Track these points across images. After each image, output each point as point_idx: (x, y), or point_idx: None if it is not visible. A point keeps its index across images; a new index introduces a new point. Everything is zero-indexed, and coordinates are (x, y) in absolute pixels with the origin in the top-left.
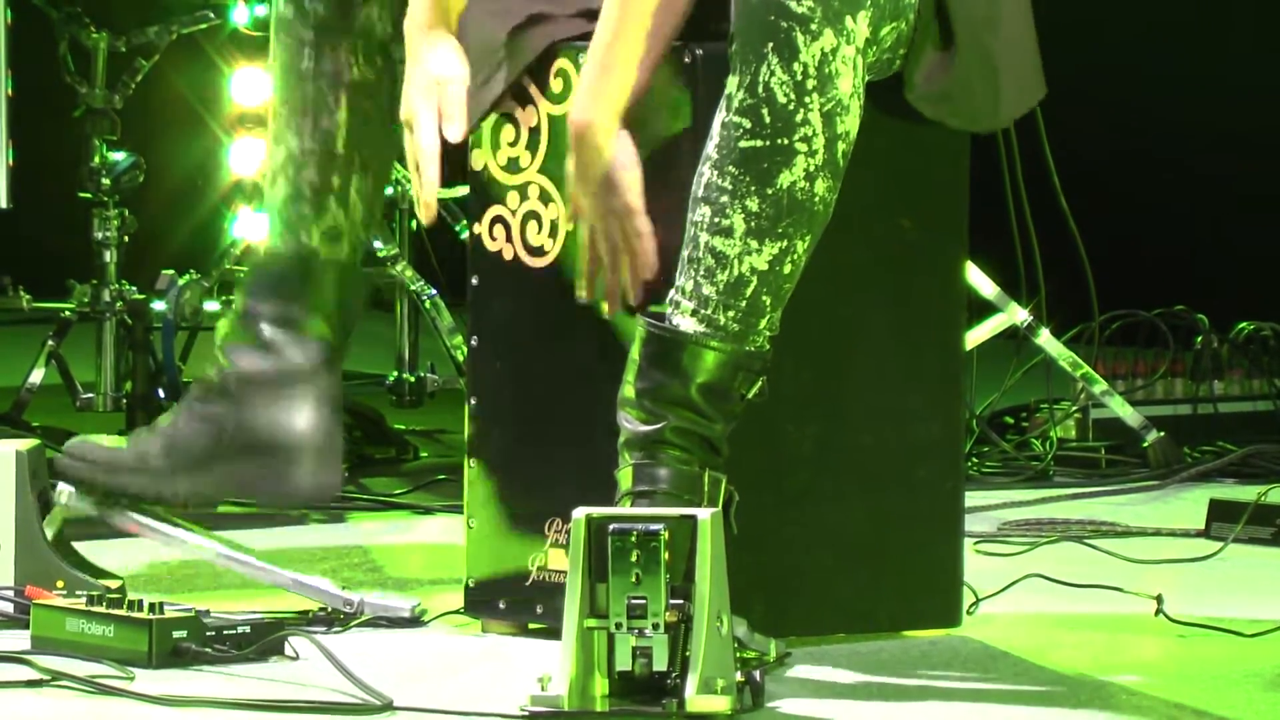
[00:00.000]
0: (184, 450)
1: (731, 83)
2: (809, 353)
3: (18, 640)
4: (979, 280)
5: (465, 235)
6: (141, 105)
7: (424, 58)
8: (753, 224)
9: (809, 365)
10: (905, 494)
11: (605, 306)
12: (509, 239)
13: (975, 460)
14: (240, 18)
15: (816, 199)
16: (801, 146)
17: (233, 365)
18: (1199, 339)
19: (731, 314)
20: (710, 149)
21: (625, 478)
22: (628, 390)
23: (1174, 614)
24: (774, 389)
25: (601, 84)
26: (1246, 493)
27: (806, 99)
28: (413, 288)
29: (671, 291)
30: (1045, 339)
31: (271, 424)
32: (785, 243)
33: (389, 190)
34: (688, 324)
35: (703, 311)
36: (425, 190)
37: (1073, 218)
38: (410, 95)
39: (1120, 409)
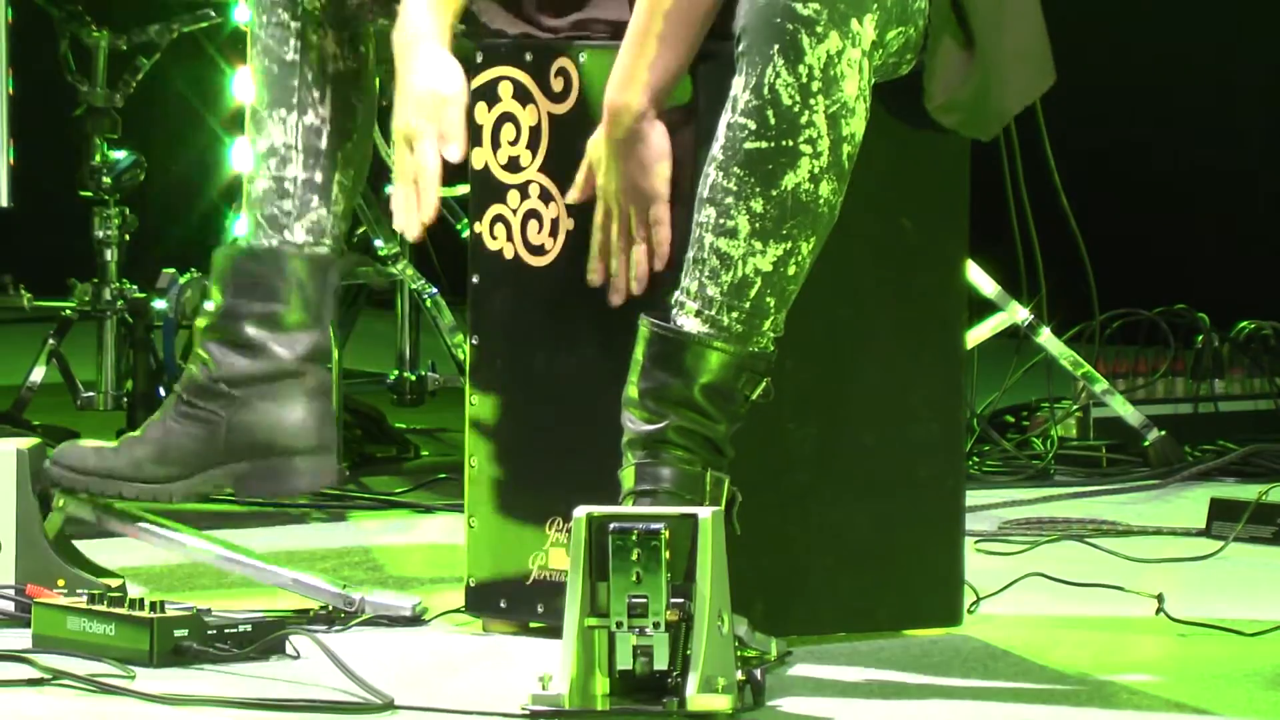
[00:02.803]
0: (179, 454)
1: (737, 84)
2: (810, 352)
3: (19, 639)
4: (980, 279)
5: (466, 234)
6: (142, 104)
7: (420, 72)
8: (757, 225)
9: (810, 365)
10: (906, 493)
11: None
12: (510, 238)
13: (976, 459)
14: (241, 16)
15: (821, 201)
16: (806, 149)
17: (220, 366)
18: (1200, 338)
19: (735, 315)
20: (716, 150)
21: (628, 477)
22: (631, 390)
23: (1175, 613)
24: (775, 388)
25: (636, 67)
26: (1247, 492)
27: (812, 101)
28: (413, 286)
29: (676, 292)
30: (1046, 338)
31: (266, 423)
32: (790, 244)
33: (389, 189)
34: (691, 324)
35: (707, 312)
36: (424, 210)
37: (1073, 216)
38: (407, 112)
39: (1121, 408)
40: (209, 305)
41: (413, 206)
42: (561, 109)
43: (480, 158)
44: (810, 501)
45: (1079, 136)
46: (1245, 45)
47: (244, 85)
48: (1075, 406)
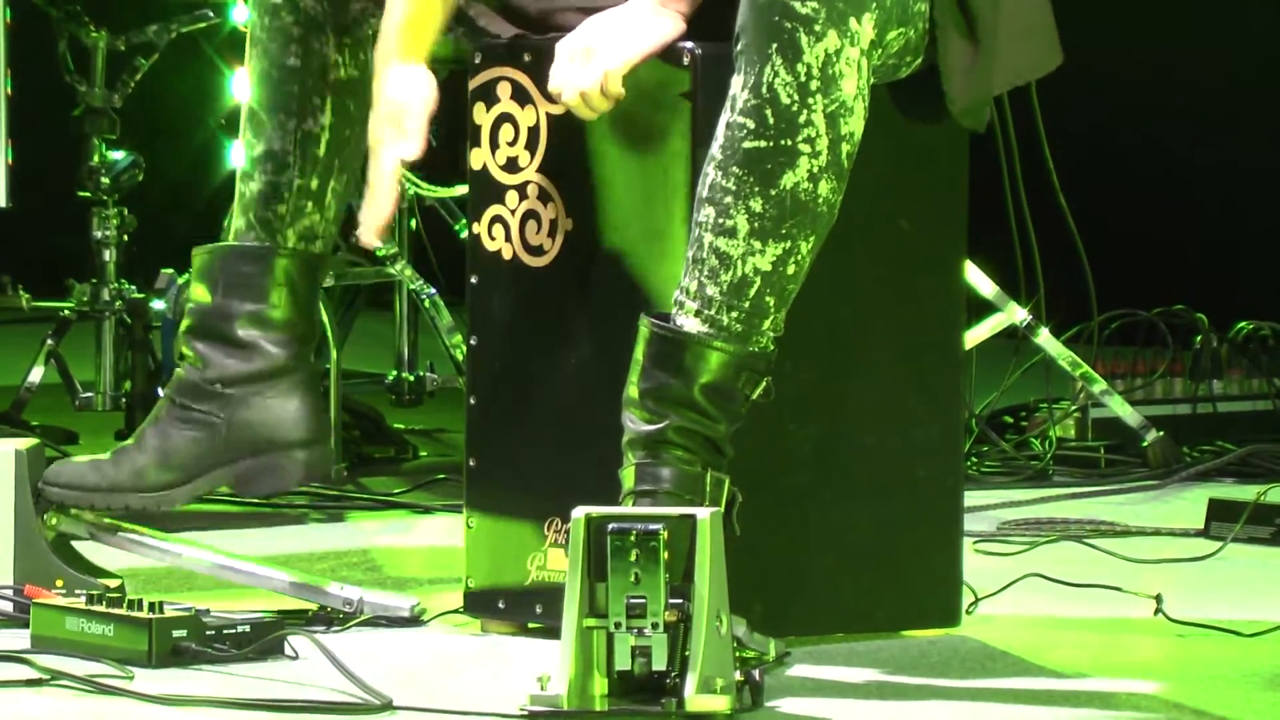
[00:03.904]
0: (181, 459)
1: (736, 83)
2: (809, 353)
3: (17, 639)
4: (978, 280)
5: (464, 234)
6: (141, 104)
7: (387, 87)
8: (756, 225)
9: (809, 366)
10: (905, 494)
11: None
12: (508, 238)
13: (975, 460)
14: (240, 17)
15: (820, 200)
16: (805, 148)
17: (211, 366)
18: (1198, 338)
19: (735, 315)
20: (715, 149)
21: (628, 477)
22: (631, 390)
23: (1173, 614)
24: (775, 389)
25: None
26: (1246, 492)
27: (810, 100)
28: (412, 287)
29: (676, 292)
30: (1044, 338)
31: (264, 419)
32: (789, 243)
33: None
34: (691, 324)
35: (706, 312)
36: (370, 216)
37: (1071, 217)
38: (373, 123)
39: (1120, 408)
40: (192, 304)
41: (367, 214)
42: (560, 109)
43: (479, 158)
44: (809, 502)
45: (1078, 136)
46: (1246, 44)
47: (242, 85)
48: (1074, 407)
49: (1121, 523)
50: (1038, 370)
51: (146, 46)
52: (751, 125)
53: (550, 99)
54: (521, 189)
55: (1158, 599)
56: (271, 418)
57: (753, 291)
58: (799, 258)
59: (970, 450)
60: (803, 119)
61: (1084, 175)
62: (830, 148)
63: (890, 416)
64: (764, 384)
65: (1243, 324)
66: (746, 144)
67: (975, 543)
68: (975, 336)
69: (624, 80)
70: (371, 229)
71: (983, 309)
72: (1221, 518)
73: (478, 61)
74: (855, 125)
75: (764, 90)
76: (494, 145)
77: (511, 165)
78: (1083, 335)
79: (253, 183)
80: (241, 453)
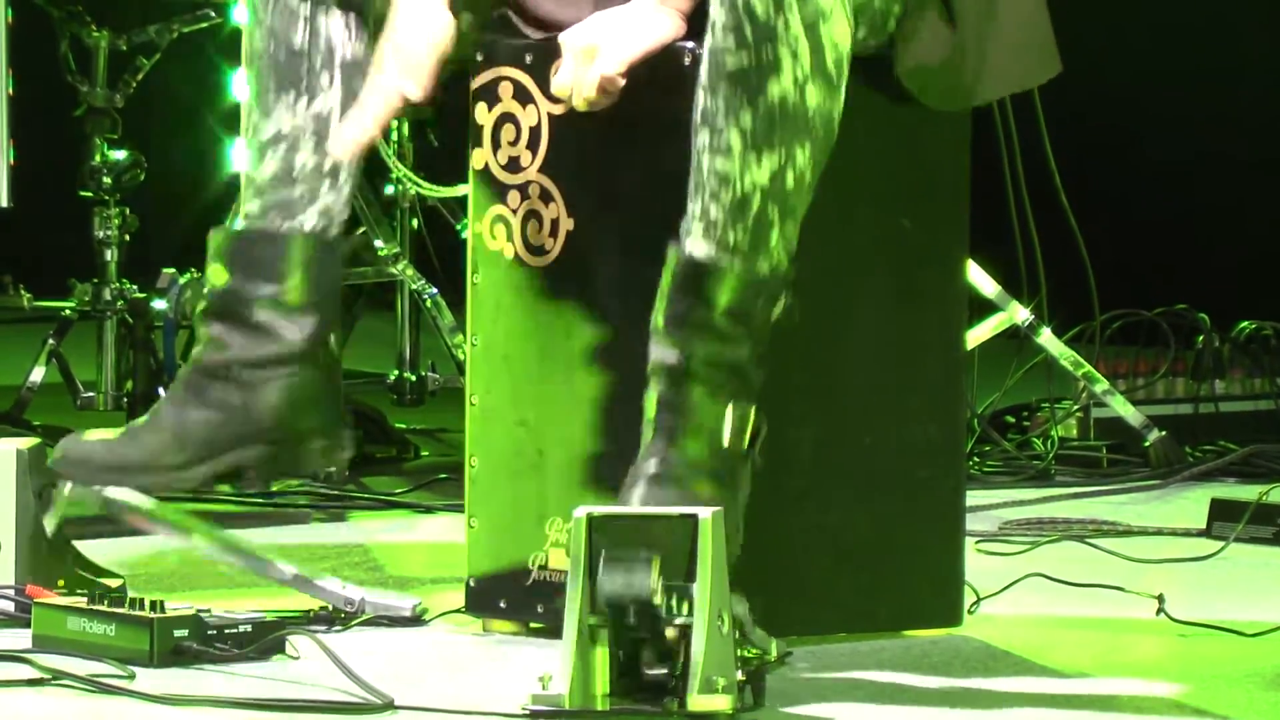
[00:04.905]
0: (196, 440)
1: (712, 6)
2: (810, 353)
3: (19, 639)
4: (980, 279)
5: (466, 234)
6: (142, 104)
7: (404, 17)
8: (748, 138)
9: (810, 365)
10: (906, 493)
11: None
12: (510, 238)
13: (976, 459)
14: (241, 16)
15: (810, 109)
16: (786, 56)
17: (230, 349)
18: (1200, 338)
19: (740, 231)
20: (702, 76)
21: (650, 404)
22: (657, 318)
23: (1175, 614)
24: (774, 389)
25: None
26: (1248, 492)
27: (785, 8)
28: (414, 286)
29: (683, 220)
30: (1046, 338)
31: (279, 405)
32: (784, 152)
33: (389, 189)
34: (700, 248)
35: (714, 233)
36: (352, 129)
37: (1074, 216)
38: (381, 49)
39: (1122, 408)
40: (209, 286)
41: (349, 126)
42: (561, 109)
43: (480, 158)
44: (810, 502)
45: (1079, 136)
46: (1247, 43)
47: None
48: (1076, 407)
49: (1123, 523)
50: (1040, 370)
51: (148, 46)
52: (731, 43)
53: (552, 99)
54: (523, 189)
55: (1160, 599)
56: (288, 403)
57: (755, 206)
58: (796, 170)
59: (972, 450)
60: (780, 27)
61: (1086, 174)
62: (813, 54)
63: (891, 416)
64: (782, 303)
65: (1245, 324)
66: (729, 61)
67: (977, 542)
68: (977, 336)
69: (625, 78)
70: (347, 141)
71: (984, 308)
72: (1224, 518)
73: (479, 60)
74: (838, 33)
75: (740, 6)
76: (495, 145)
77: (513, 165)
78: (1085, 335)
79: (264, 165)
80: (258, 437)
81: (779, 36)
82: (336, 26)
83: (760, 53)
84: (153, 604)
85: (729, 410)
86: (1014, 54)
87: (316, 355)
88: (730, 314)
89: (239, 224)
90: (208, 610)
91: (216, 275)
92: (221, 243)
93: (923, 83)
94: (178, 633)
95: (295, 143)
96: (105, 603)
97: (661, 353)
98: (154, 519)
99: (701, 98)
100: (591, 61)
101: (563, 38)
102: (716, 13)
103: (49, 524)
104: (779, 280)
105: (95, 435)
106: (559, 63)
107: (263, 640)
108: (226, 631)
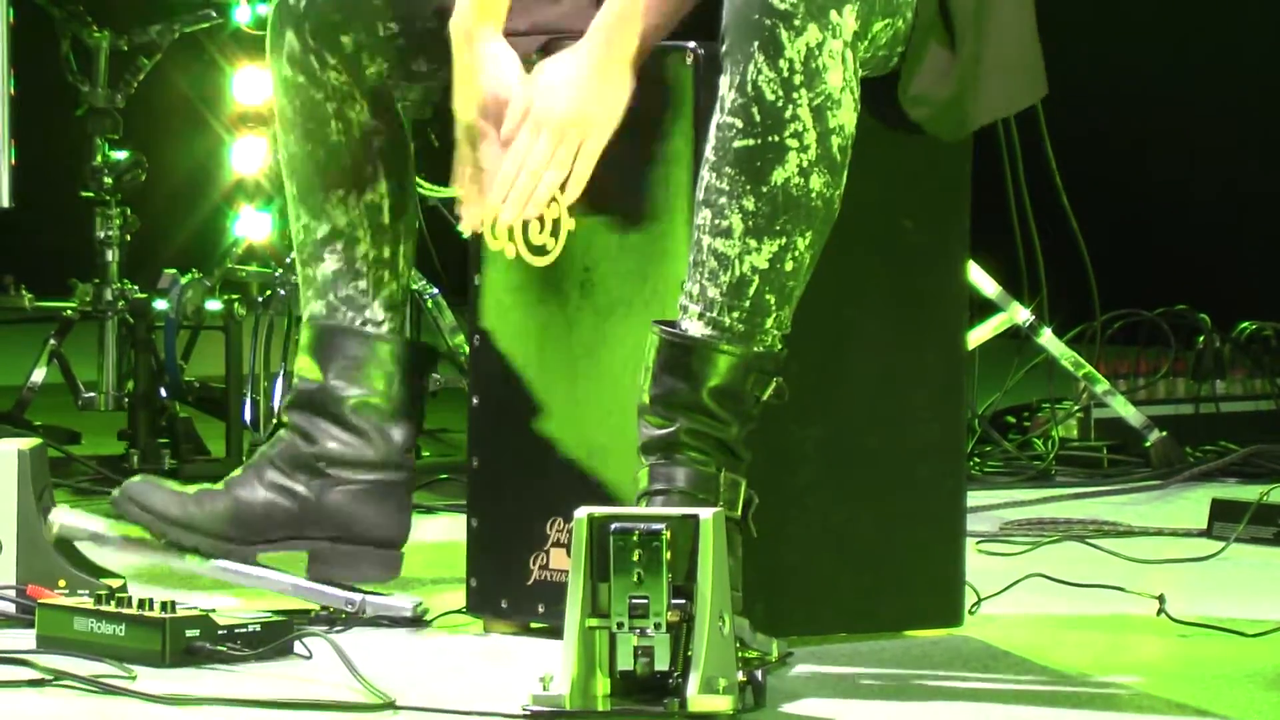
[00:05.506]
0: (255, 523)
1: (723, 84)
2: (811, 353)
3: (21, 640)
4: (981, 279)
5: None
6: (143, 104)
7: (481, 64)
8: (750, 223)
9: (811, 365)
10: (907, 494)
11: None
12: (511, 238)
13: (977, 460)
14: (242, 17)
15: (813, 195)
16: (793, 143)
17: (318, 443)
18: (1201, 338)
19: (736, 314)
20: (708, 152)
21: (642, 478)
22: (644, 397)
23: (1176, 614)
24: (787, 390)
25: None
26: (1248, 492)
27: (795, 95)
28: (415, 287)
29: (681, 297)
30: (1047, 338)
31: (354, 510)
32: (784, 240)
33: None
34: (695, 328)
35: (709, 314)
36: (488, 211)
37: (1075, 217)
38: (469, 106)
39: (1122, 409)
40: (299, 378)
41: (474, 202)
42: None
43: None
44: (811, 502)
45: (1080, 136)
46: (1247, 44)
47: (245, 85)
48: (1076, 407)
49: (1124, 523)
50: (1040, 370)
51: (149, 46)
52: (739, 124)
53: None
54: None
55: (1160, 599)
56: (361, 511)
57: (752, 290)
58: (796, 254)
59: (973, 450)
60: (788, 114)
61: (1086, 174)
62: (819, 141)
63: (892, 416)
64: (774, 384)
65: (1245, 324)
66: (736, 143)
67: (978, 543)
68: (978, 336)
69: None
70: (472, 221)
71: (985, 309)
72: (1224, 518)
73: None
74: (845, 118)
75: (749, 88)
76: None
77: None
78: (1085, 335)
79: (323, 265)
80: (321, 533)
81: (786, 122)
82: (366, 116)
83: (767, 139)
84: (164, 604)
85: (720, 478)
86: (1004, 77)
87: (404, 469)
88: (719, 394)
89: (325, 320)
90: (213, 611)
91: (306, 367)
92: (314, 336)
93: (924, 109)
94: (190, 633)
95: (354, 237)
96: (114, 603)
97: (649, 430)
98: (154, 549)
99: (707, 176)
100: (560, 141)
101: (519, 93)
102: (725, 89)
103: (47, 533)
104: (771, 362)
105: (169, 486)
106: (497, 132)
107: (276, 641)
108: (237, 632)
